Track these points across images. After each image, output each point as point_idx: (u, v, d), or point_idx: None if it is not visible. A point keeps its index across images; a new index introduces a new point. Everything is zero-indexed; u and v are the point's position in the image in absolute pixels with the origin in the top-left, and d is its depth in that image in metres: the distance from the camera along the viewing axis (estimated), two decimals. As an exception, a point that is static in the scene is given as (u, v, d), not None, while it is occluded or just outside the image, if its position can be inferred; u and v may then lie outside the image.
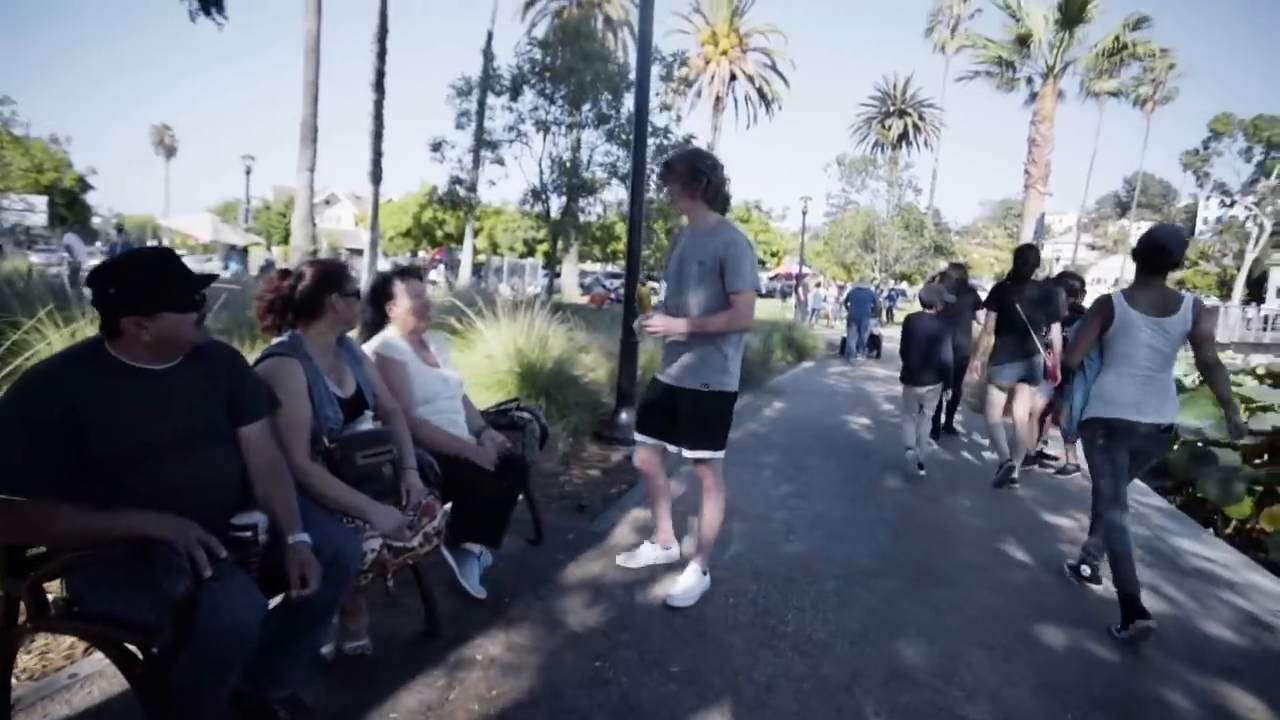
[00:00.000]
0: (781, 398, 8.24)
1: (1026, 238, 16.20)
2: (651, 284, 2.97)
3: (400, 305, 2.72)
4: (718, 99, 35.46)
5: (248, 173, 21.69)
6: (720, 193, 2.73)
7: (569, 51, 12.19)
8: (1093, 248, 57.42)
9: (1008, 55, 16.50)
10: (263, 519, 1.69)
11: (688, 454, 2.83)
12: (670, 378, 2.83)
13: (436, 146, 12.76)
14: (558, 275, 22.73)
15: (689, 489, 4.27)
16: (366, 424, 2.15)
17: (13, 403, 1.49)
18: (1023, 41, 15.93)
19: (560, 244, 17.19)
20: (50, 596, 1.65)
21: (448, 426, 2.74)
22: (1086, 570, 3.29)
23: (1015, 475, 4.82)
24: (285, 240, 29.98)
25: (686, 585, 2.86)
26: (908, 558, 3.48)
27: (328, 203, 54.98)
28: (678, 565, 3.12)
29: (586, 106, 12.66)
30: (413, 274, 2.84)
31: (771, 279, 49.17)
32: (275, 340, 2.12)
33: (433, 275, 28.11)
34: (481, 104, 13.67)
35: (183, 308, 1.58)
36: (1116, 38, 15.12)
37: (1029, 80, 16.94)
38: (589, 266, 37.41)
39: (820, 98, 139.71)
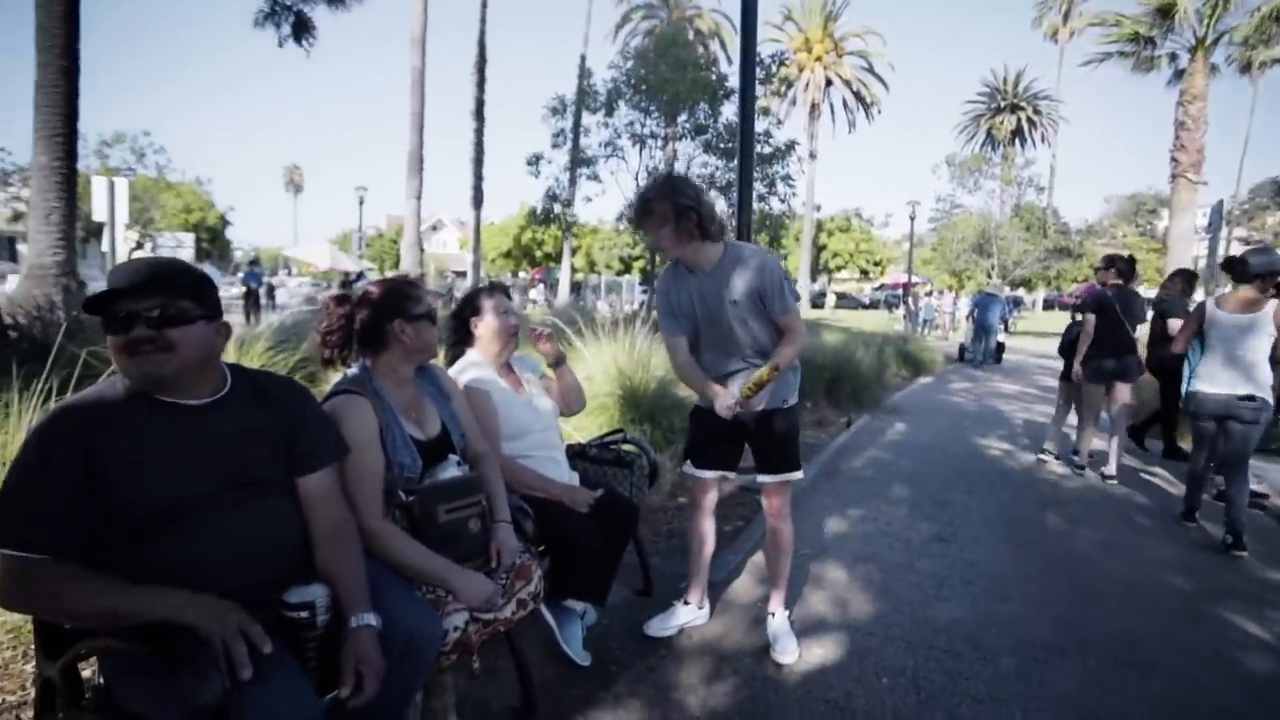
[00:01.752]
0: (903, 418, 7.47)
1: (1178, 233, 14.32)
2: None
3: (486, 324, 2.41)
4: (813, 106, 34.45)
5: (361, 203, 23.03)
6: (714, 218, 2.28)
7: (664, 62, 11.94)
8: (1247, 242, 51.10)
9: (1145, 30, 14.73)
10: (323, 594, 1.38)
11: (768, 480, 2.50)
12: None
13: (534, 161, 12.83)
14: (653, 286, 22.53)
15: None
16: (451, 470, 1.82)
17: (30, 444, 1.25)
18: (1164, 13, 14.20)
19: (658, 259, 16.91)
20: (89, 681, 1.40)
21: (543, 465, 2.40)
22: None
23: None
24: (396, 265, 31.62)
25: (784, 634, 2.54)
26: (1100, 629, 2.79)
27: (434, 228, 58.03)
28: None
29: (683, 117, 12.35)
30: (500, 290, 2.53)
31: (876, 289, 47.01)
32: (343, 374, 1.84)
33: (533, 294, 28.84)
34: (577, 122, 13.69)
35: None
36: (1288, -2, 13.16)
37: (1172, 57, 15.06)
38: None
39: (922, 99, 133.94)
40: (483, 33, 22.53)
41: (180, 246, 21.52)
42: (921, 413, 7.95)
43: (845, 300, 44.33)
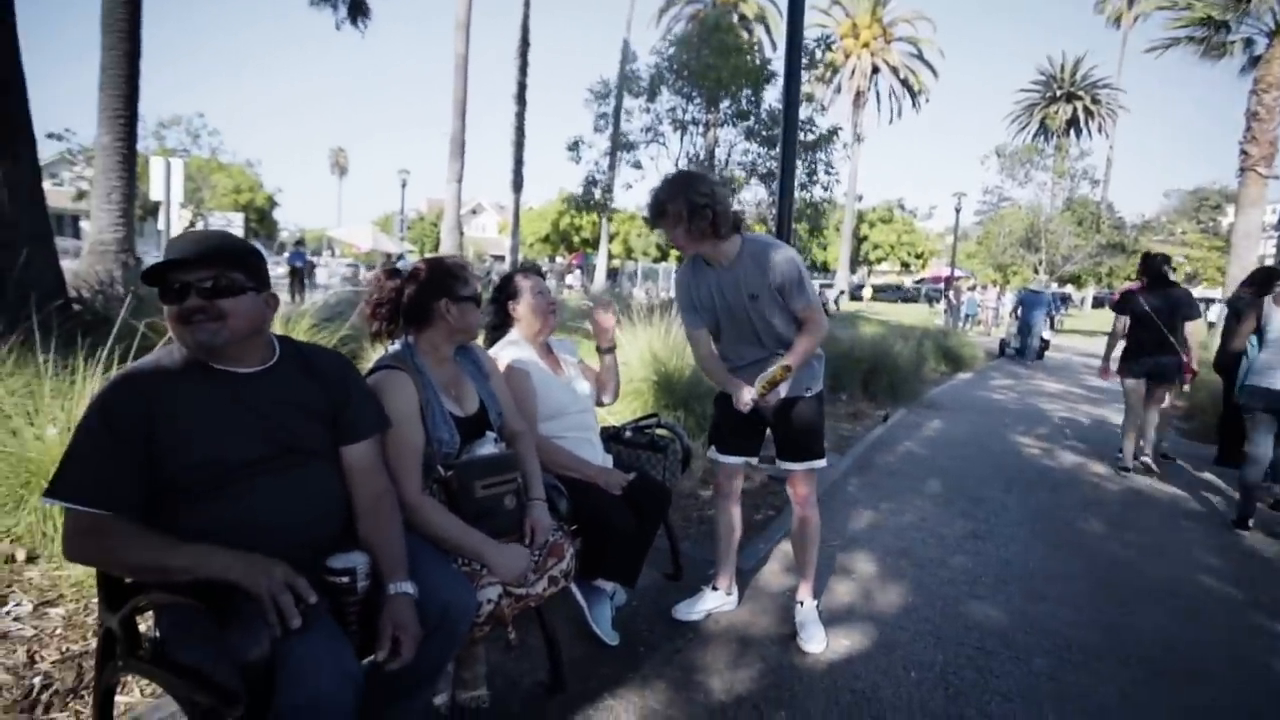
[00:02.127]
0: (941, 413, 7.33)
1: (1245, 229, 13.65)
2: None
3: (524, 304, 2.45)
4: (858, 93, 33.73)
5: (403, 186, 23.39)
6: (728, 215, 2.27)
7: (706, 47, 11.80)
8: (1317, 242, 48.48)
9: (1219, 14, 13.99)
10: (364, 561, 1.43)
11: (792, 467, 2.50)
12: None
13: (574, 146, 12.85)
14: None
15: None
16: (488, 447, 1.86)
17: (95, 408, 1.32)
18: (1240, -4, 13.47)
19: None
20: (146, 634, 1.48)
21: (579, 446, 2.43)
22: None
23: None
24: (436, 248, 32.09)
25: (812, 622, 2.54)
26: (1139, 633, 2.72)
27: (474, 212, 58.63)
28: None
29: (725, 104, 12.22)
30: (535, 271, 2.57)
31: (917, 283, 46.03)
32: (386, 350, 1.89)
33: (569, 280, 28.99)
34: (618, 108, 13.66)
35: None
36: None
37: (1248, 43, 14.28)
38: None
39: (973, 87, 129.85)
40: (526, 17, 22.55)
41: (230, 225, 22.11)
42: (960, 408, 7.79)
43: (884, 293, 43.53)
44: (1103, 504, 4.42)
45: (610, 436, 2.83)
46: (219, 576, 1.25)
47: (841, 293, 21.09)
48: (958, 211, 20.69)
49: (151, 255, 14.73)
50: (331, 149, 68.89)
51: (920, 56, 34.70)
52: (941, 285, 27.63)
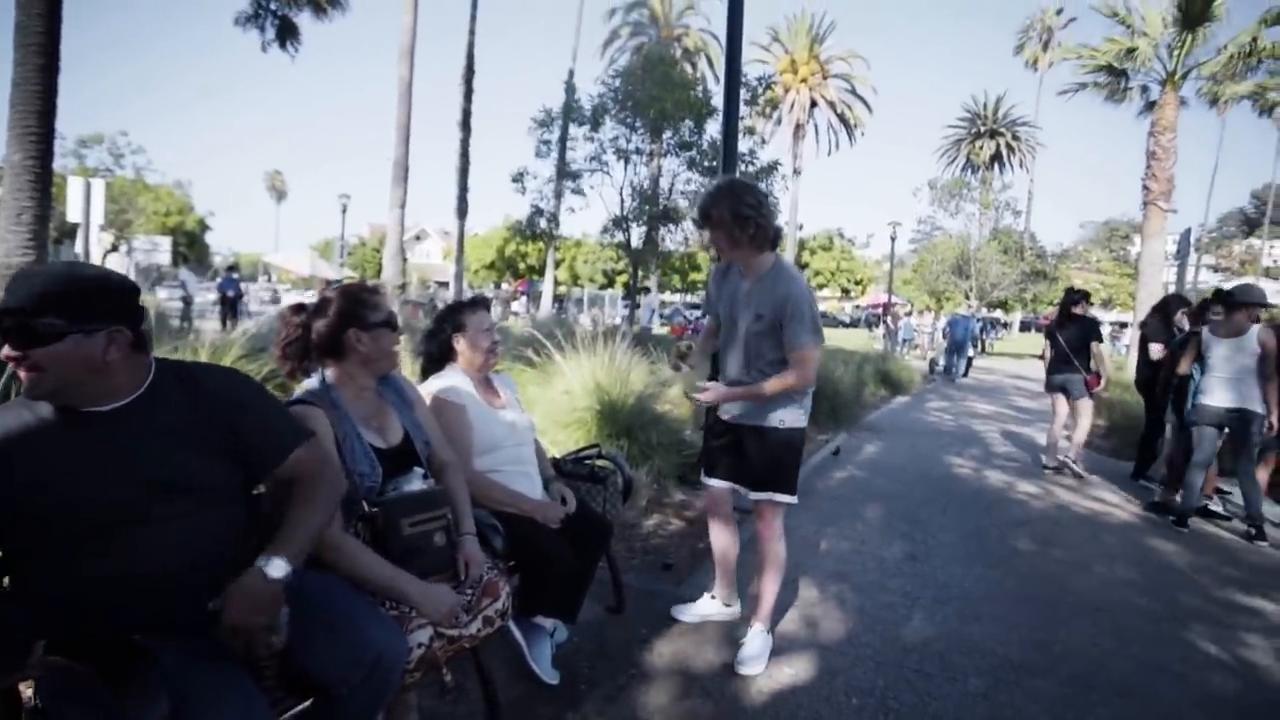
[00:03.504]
0: (880, 436, 7.53)
1: (1149, 258, 14.64)
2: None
3: (467, 339, 2.40)
4: (798, 126, 34.92)
5: (343, 211, 22.87)
6: (771, 230, 2.36)
7: (650, 79, 12.05)
8: (1216, 269, 52.47)
9: (1118, 63, 15.16)
10: (284, 614, 1.34)
11: (754, 496, 2.55)
12: (736, 416, 2.54)
13: (518, 178, 12.85)
14: (638, 306, 22.58)
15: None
16: (416, 482, 1.79)
17: None
18: (1129, 51, 14.67)
19: (641, 274, 16.96)
20: (28, 702, 1.35)
21: (515, 480, 2.38)
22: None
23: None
24: (378, 274, 31.41)
25: (754, 650, 2.53)
26: (1069, 649, 2.81)
27: (418, 238, 57.78)
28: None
29: (668, 134, 12.46)
30: (482, 305, 2.52)
31: (856, 308, 47.52)
32: (302, 386, 1.81)
33: (515, 307, 28.75)
34: (564, 136, 13.73)
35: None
36: (1254, 38, 13.59)
37: (1144, 89, 15.48)
38: (668, 297, 37.23)
39: (904, 122, 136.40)
40: (471, 44, 22.57)
41: (156, 249, 21.14)
42: (898, 431, 8.02)
43: (824, 318, 44.77)
44: (1032, 522, 4.59)
45: (552, 466, 2.77)
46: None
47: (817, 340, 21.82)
48: (893, 240, 21.55)
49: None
50: (267, 172, 66.85)
51: (855, 92, 36.26)
52: (880, 311, 28.61)
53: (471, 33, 22.22)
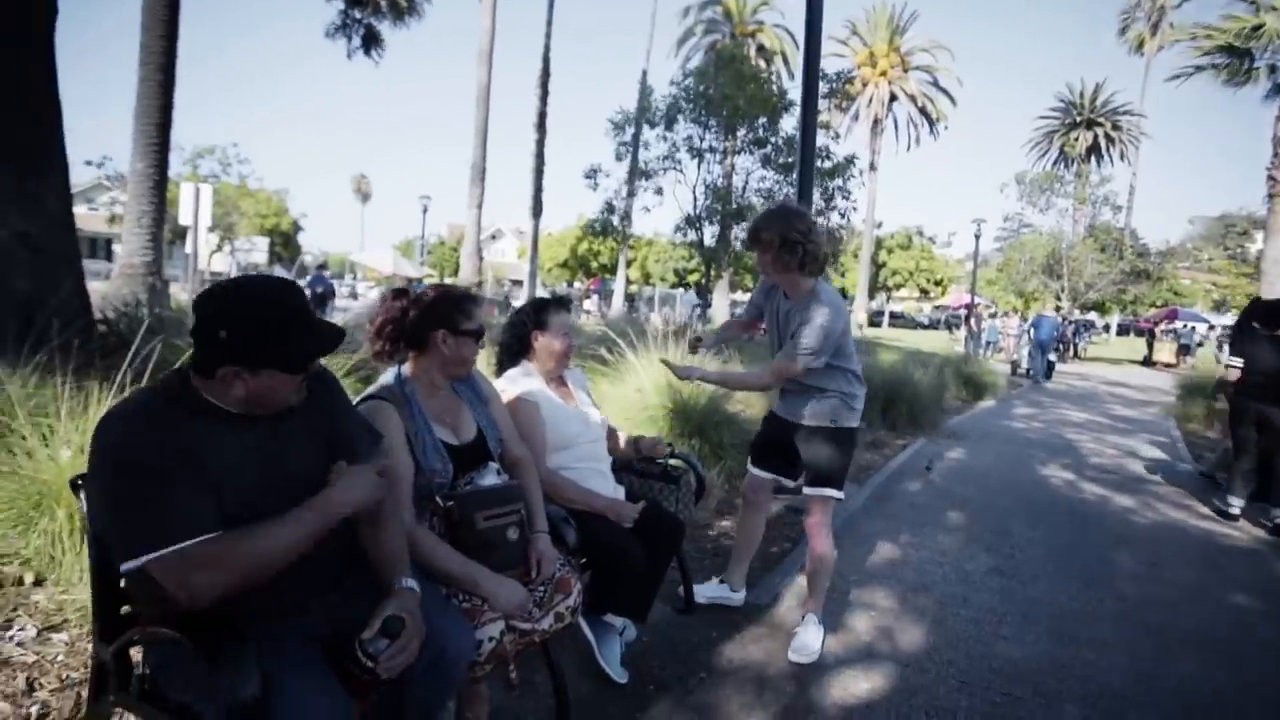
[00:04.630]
0: (962, 443, 7.18)
1: (1273, 256, 13.35)
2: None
3: (548, 339, 2.40)
4: (876, 121, 33.87)
5: (424, 211, 23.76)
6: (817, 257, 2.42)
7: (724, 76, 11.92)
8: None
9: (1241, 43, 13.88)
10: (385, 646, 1.31)
11: (807, 491, 2.64)
12: (792, 414, 2.65)
13: (591, 174, 12.94)
14: (708, 305, 22.44)
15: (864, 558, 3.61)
16: (490, 477, 1.81)
17: (114, 459, 1.21)
18: (1255, 29, 13.39)
19: (713, 272, 16.83)
20: (138, 668, 1.44)
21: (589, 477, 2.38)
22: None
23: None
24: (455, 273, 32.51)
25: (806, 639, 2.58)
26: (1179, 680, 2.58)
27: (493, 237, 59.39)
28: (834, 659, 2.51)
29: (741, 132, 12.30)
30: (565, 305, 2.52)
31: (936, 309, 45.64)
32: (379, 381, 1.86)
33: (587, 305, 29.12)
34: (637, 135, 13.77)
35: (293, 368, 1.31)
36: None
37: (1271, 69, 14.11)
38: (739, 296, 36.89)
39: (991, 114, 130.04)
40: (547, 47, 23.00)
41: (254, 249, 22.62)
42: (982, 438, 7.63)
43: (901, 320, 43.18)
44: (1135, 540, 4.26)
45: (621, 467, 2.76)
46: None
47: (858, 325, 21.03)
48: (977, 238, 20.52)
49: (178, 280, 14.99)
50: (354, 176, 70.27)
51: (938, 85, 34.83)
52: (962, 312, 27.36)
53: (547, 35, 22.64)
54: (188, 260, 13.21)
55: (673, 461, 2.82)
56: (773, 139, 12.23)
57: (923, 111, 34.56)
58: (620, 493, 2.49)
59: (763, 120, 11.99)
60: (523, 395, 2.31)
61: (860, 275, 36.47)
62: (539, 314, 2.45)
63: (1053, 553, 3.91)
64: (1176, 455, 7.26)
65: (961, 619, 2.99)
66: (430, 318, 1.80)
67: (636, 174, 13.69)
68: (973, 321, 19.05)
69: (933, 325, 42.03)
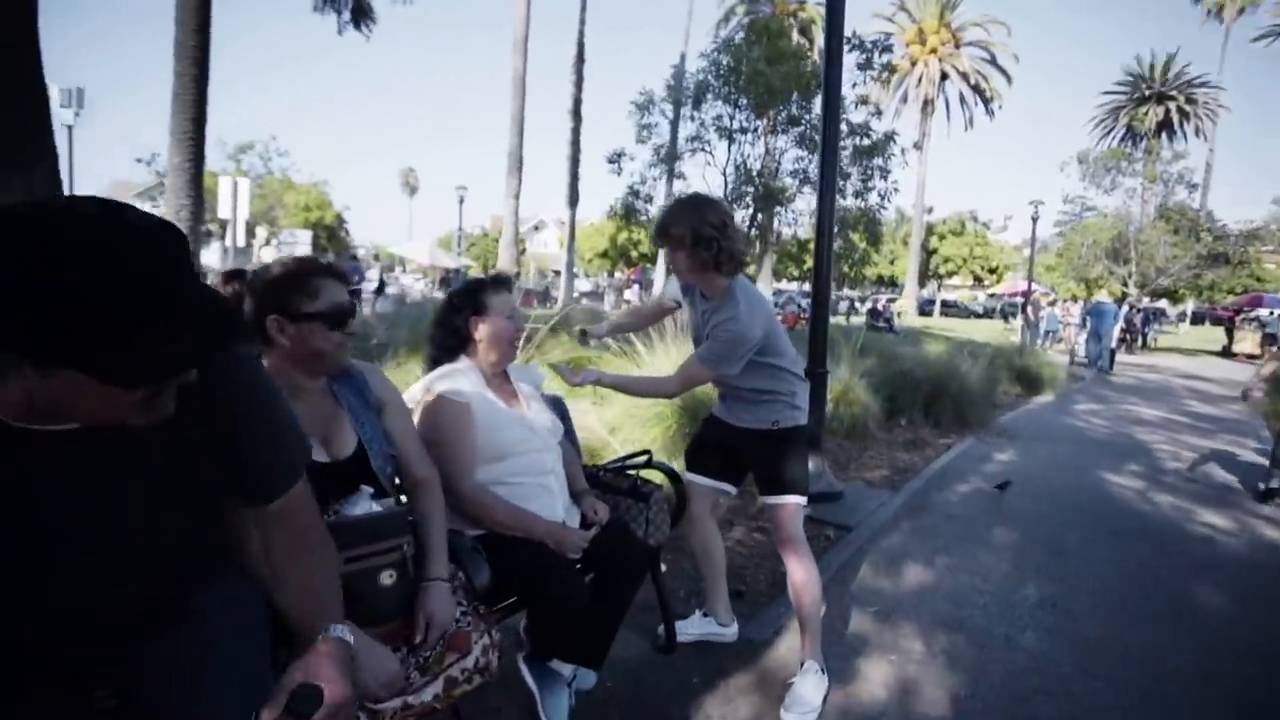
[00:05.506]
0: (1014, 443, 6.50)
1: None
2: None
3: (489, 327, 1.98)
4: (926, 101, 32.46)
5: (460, 202, 23.75)
6: (734, 255, 2.15)
7: (757, 51, 11.25)
8: None
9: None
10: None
11: (768, 501, 2.31)
12: (731, 418, 2.37)
13: (615, 158, 12.43)
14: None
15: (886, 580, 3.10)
16: (361, 505, 1.40)
17: None
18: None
19: (749, 259, 16.17)
20: None
21: (532, 494, 1.95)
22: None
23: None
24: (495, 264, 32.56)
25: (803, 693, 2.14)
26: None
27: (536, 228, 59.58)
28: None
29: (775, 110, 11.63)
30: (504, 285, 2.09)
31: (990, 296, 43.66)
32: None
33: (627, 295, 28.71)
34: (676, 118, 13.16)
35: (116, 378, 0.78)
36: None
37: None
38: (784, 286, 35.99)
39: (1050, 91, 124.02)
40: (581, 33, 22.66)
41: (297, 242, 22.96)
42: (1037, 437, 6.91)
43: (953, 309, 41.44)
44: (1223, 567, 3.61)
45: (587, 478, 2.33)
46: None
47: (896, 313, 19.80)
48: (1034, 221, 19.24)
49: (215, 271, 15.20)
50: (402, 169, 71.55)
51: (993, 61, 33.15)
52: (1018, 300, 25.91)
53: (582, 20, 22.31)
54: (225, 254, 13.33)
55: (646, 473, 2.37)
56: (808, 117, 11.51)
57: (976, 90, 32.98)
58: (575, 514, 2.05)
59: (796, 98, 11.29)
60: (447, 393, 1.89)
61: (909, 263, 35.12)
62: (474, 297, 2.03)
63: (1118, 581, 3.31)
64: (1273, 460, 6.43)
65: (1003, 665, 2.46)
66: (261, 302, 1.39)
67: (665, 157, 13.11)
68: (1029, 310, 17.91)
69: (987, 314, 40.20)
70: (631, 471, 2.37)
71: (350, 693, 0.99)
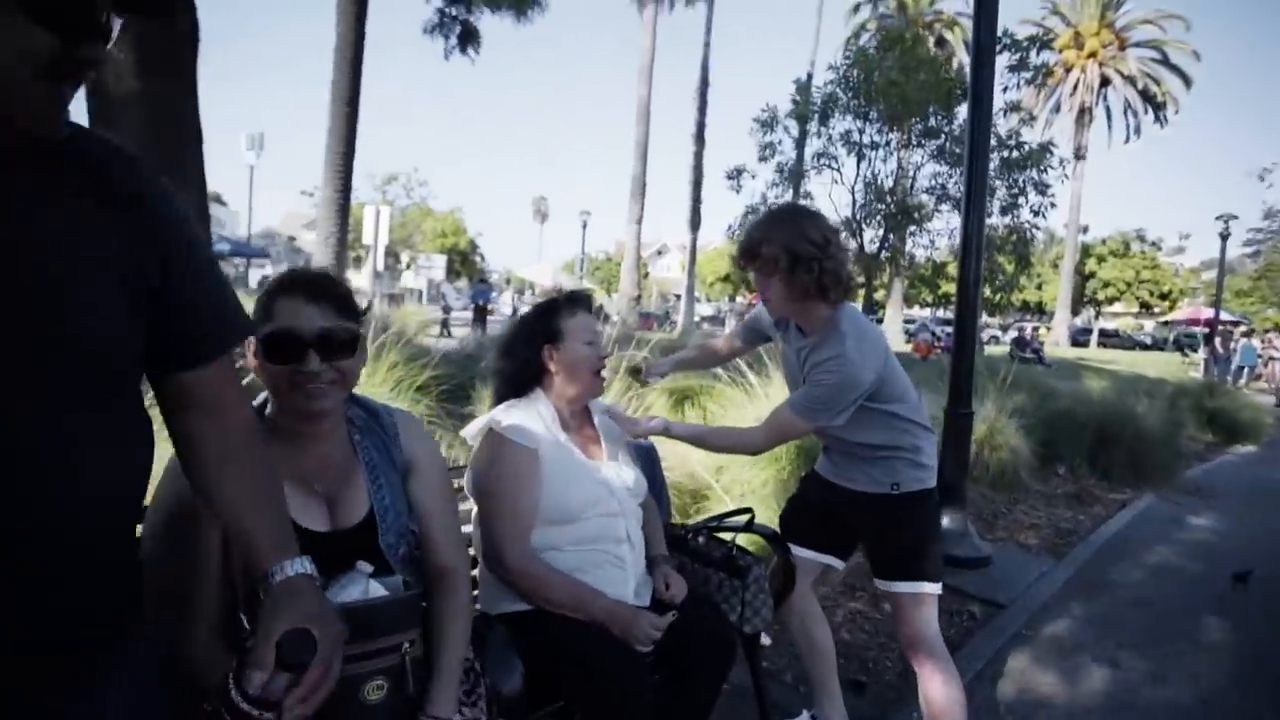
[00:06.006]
0: (1212, 504, 5.35)
1: None
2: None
3: (564, 354, 1.66)
4: (1082, 111, 29.47)
5: (583, 227, 24.37)
6: (839, 278, 1.72)
7: (890, 60, 10.51)
8: None
9: None
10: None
11: (882, 586, 1.86)
12: (838, 477, 1.90)
13: (734, 174, 12.00)
14: (880, 321, 20.46)
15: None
16: (355, 587, 1.08)
17: None
18: None
19: (877, 282, 15.18)
20: None
21: (597, 566, 1.58)
22: None
23: None
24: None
25: None
26: None
27: (659, 253, 60.41)
28: None
29: (910, 123, 10.79)
30: (582, 303, 1.76)
31: (1163, 325, 38.68)
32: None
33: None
34: (801, 135, 12.61)
35: None
36: None
37: None
38: (915, 312, 33.91)
39: (1237, 93, 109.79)
40: (706, 56, 22.66)
41: (433, 266, 24.43)
42: (1240, 496, 5.67)
43: (1114, 338, 36.97)
44: None
45: (672, 541, 1.93)
46: None
47: (1038, 347, 17.49)
48: (1224, 239, 16.71)
49: (364, 292, 16.38)
50: (534, 197, 75.63)
51: (1166, 62, 29.60)
52: (1199, 330, 22.60)
53: (706, 45, 22.31)
54: (380, 278, 14.27)
55: (745, 537, 1.93)
56: (947, 129, 10.56)
57: (1144, 95, 29.55)
58: (646, 593, 1.66)
59: (934, 109, 10.39)
60: (511, 434, 1.57)
61: (1061, 288, 31.81)
62: (547, 320, 1.71)
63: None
64: None
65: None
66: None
67: (796, 175, 12.51)
68: (1218, 341, 15.46)
69: (1157, 345, 35.54)
70: (727, 535, 1.93)
71: (343, 630, 0.83)
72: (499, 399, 1.73)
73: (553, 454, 1.60)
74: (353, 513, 1.17)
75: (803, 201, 12.25)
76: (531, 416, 1.63)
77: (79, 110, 4.37)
